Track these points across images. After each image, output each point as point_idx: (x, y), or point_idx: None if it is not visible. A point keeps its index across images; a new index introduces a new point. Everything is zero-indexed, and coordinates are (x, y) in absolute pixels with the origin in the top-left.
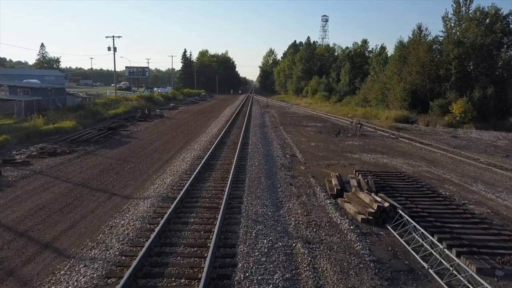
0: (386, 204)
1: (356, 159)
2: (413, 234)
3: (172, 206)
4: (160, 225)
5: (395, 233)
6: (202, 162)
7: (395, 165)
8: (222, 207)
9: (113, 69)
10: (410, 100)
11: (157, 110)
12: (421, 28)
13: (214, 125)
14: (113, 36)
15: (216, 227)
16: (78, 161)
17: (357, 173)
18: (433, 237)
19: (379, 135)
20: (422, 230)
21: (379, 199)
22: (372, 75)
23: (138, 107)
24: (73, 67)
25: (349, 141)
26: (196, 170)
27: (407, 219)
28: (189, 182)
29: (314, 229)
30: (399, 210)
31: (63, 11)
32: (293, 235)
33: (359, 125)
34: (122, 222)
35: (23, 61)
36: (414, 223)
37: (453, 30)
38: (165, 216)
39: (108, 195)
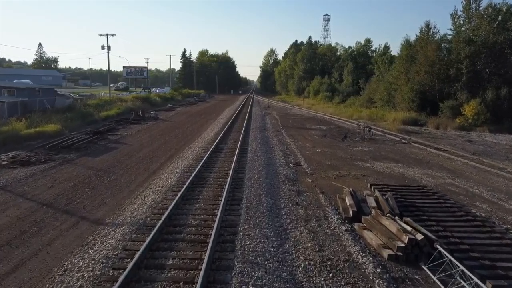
0: (420, 237)
1: (368, 168)
2: (462, 282)
3: (148, 240)
4: (127, 271)
5: (434, 278)
6: (193, 174)
7: (413, 176)
8: (211, 241)
9: (112, 69)
10: (418, 101)
11: (152, 112)
12: (429, 26)
13: (211, 128)
14: (107, 34)
15: (201, 275)
16: (52, 173)
17: (373, 188)
18: (485, 284)
19: (389, 140)
20: (475, 279)
21: (408, 228)
22: (377, 75)
23: (133, 108)
24: (73, 67)
25: (357, 146)
26: (185, 186)
27: (450, 260)
28: (173, 203)
29: (330, 274)
30: (438, 245)
31: (63, 11)
32: (303, 285)
33: (367, 129)
34: (81, 263)
35: (22, 61)
36: (462, 267)
37: (463, 28)
38: (136, 256)
39: (76, 219)
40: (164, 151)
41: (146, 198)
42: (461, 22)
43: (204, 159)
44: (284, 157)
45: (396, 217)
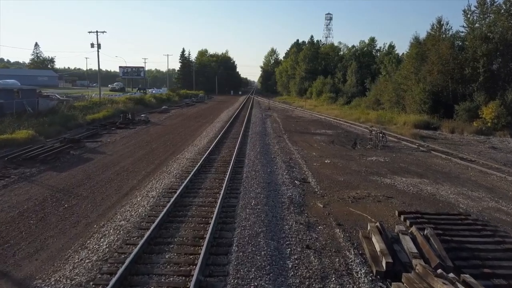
0: None
1: (390, 186)
2: None
3: None
4: None
5: None
6: (172, 200)
7: (446, 198)
8: None
9: (111, 69)
10: (431, 103)
11: (142, 115)
12: (441, 23)
13: (206, 133)
14: (97, 31)
15: None
16: None
17: (403, 217)
18: None
19: (405, 147)
20: None
21: None
22: (383, 75)
23: (125, 110)
24: (72, 67)
25: (371, 155)
26: (156, 221)
27: None
28: (134, 252)
29: None
30: None
31: (62, 11)
32: None
33: (381, 135)
34: None
35: (21, 62)
36: None
37: (477, 24)
38: None
39: None
40: (146, 163)
41: (102, 240)
42: (475, 18)
43: (191, 175)
44: (288, 170)
45: (451, 274)
